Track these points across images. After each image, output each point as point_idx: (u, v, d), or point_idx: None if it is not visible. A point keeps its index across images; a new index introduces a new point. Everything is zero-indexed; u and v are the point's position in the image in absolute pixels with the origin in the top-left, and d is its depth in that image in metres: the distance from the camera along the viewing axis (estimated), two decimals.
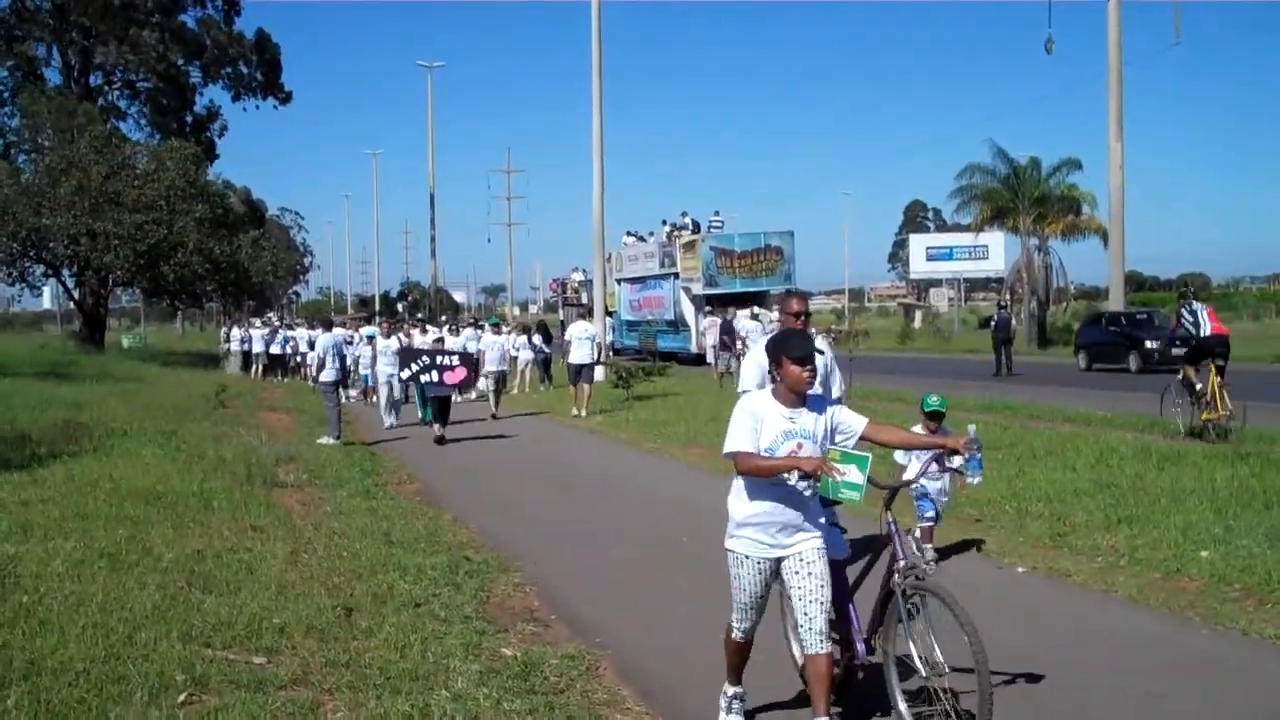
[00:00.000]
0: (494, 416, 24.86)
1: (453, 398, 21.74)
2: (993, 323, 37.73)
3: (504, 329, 30.32)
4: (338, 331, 28.58)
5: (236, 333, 44.17)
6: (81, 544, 9.21)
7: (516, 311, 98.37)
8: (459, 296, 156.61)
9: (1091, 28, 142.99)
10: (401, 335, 26.77)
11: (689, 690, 6.84)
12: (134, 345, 61.41)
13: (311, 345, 29.54)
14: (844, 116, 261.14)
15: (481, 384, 25.92)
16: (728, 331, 32.71)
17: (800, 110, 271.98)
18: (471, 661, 7.03)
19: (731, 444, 5.90)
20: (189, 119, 56.32)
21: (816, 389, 6.13)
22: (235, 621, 7.46)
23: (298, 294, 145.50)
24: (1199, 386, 16.98)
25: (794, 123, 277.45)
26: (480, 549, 10.85)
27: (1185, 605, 8.38)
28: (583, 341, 25.43)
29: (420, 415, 23.82)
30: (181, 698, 5.99)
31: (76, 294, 47.86)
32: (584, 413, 24.45)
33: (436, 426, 20.51)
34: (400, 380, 22.68)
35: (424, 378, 20.71)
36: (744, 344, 29.84)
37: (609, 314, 47.69)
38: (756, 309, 38.12)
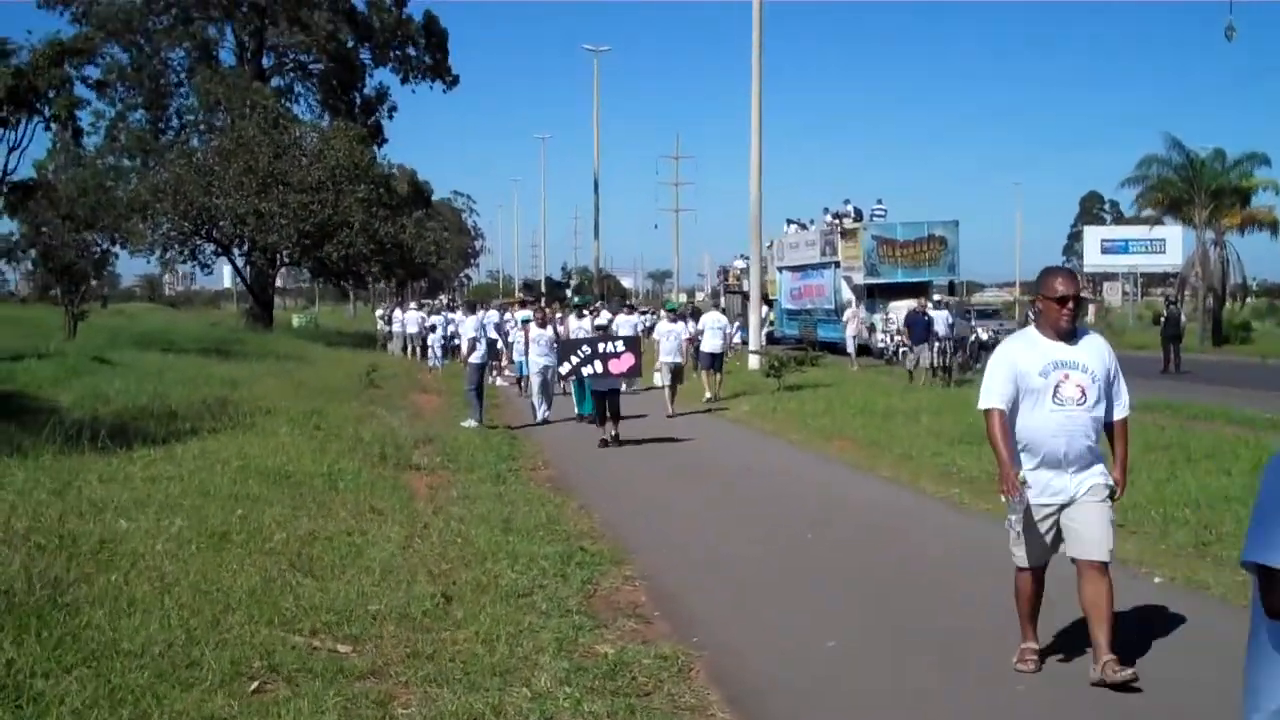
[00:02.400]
0: (671, 415, 22.04)
1: (621, 389, 19.20)
2: (1161, 318, 36.41)
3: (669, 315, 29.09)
4: (490, 313, 28.70)
5: (398, 314, 44.67)
6: (193, 522, 9.18)
7: (683, 298, 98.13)
8: (626, 281, 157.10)
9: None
10: (558, 323, 25.28)
11: (779, 697, 6.50)
12: (303, 324, 62.80)
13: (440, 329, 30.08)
14: (1019, 105, 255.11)
15: (657, 378, 23.88)
16: (914, 323, 29.99)
17: (971, 100, 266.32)
18: (562, 658, 6.76)
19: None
20: (358, 100, 57.14)
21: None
22: (329, 607, 7.31)
23: (469, 277, 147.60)
24: None
25: (965, 113, 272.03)
26: (599, 539, 10.58)
27: None
28: (715, 331, 25.40)
29: (577, 410, 21.66)
30: (253, 687, 5.84)
31: (246, 273, 49.01)
32: (718, 394, 24.84)
33: (607, 427, 17.97)
34: (560, 376, 20.54)
35: (586, 370, 18.18)
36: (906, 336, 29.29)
37: (768, 302, 47.16)
38: (942, 297, 37.27)
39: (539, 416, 21.55)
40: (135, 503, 9.81)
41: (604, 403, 18.09)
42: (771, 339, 46.31)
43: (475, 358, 20.38)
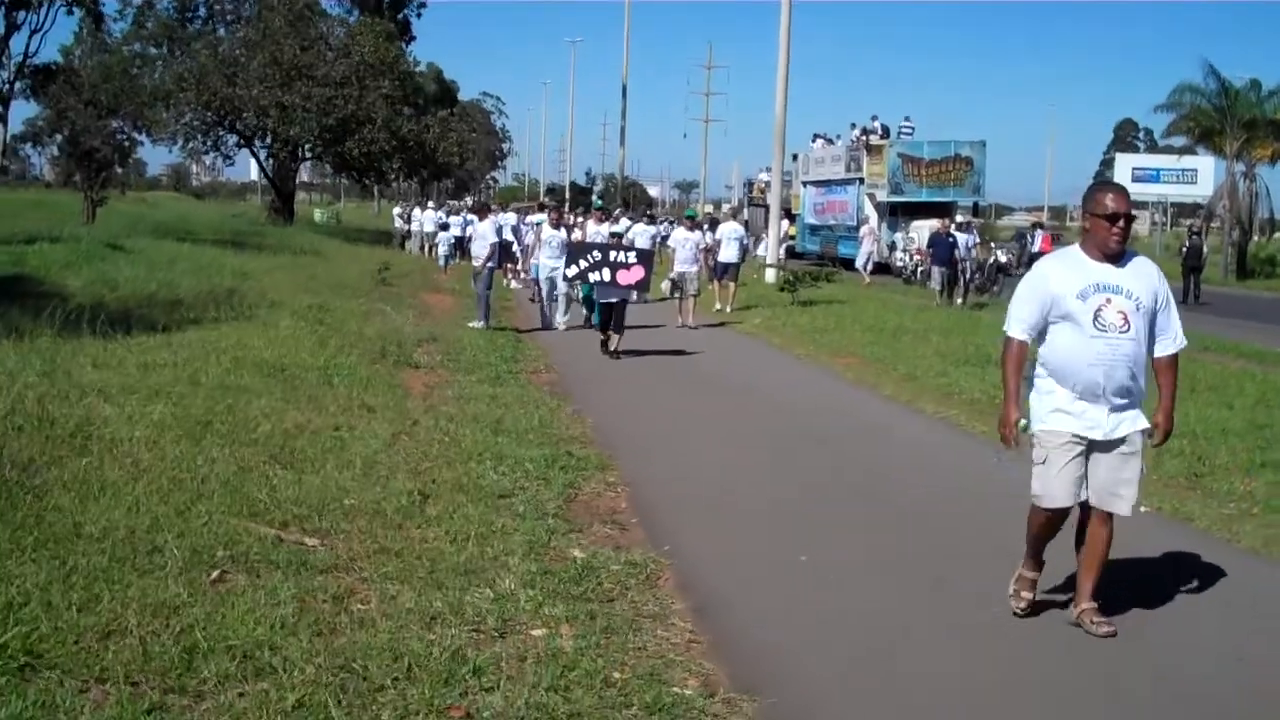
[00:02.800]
0: (684, 326, 21.82)
1: (630, 299, 18.08)
2: (1182, 248, 36.05)
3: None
4: (507, 216, 28.48)
5: (416, 213, 44.55)
6: (178, 410, 9.15)
7: (709, 208, 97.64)
8: (653, 191, 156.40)
9: None
10: (573, 226, 24.84)
11: (742, 610, 6.47)
12: (325, 219, 62.71)
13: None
14: (1056, 27, 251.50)
15: (666, 287, 23.99)
16: (937, 244, 28.97)
17: (1007, 21, 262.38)
18: (530, 560, 6.73)
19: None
20: None
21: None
22: (303, 500, 7.27)
23: (495, 179, 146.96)
24: None
25: (999, 34, 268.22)
26: (588, 444, 10.54)
27: None
28: (731, 241, 25.21)
29: (593, 317, 19.80)
30: (212, 576, 5.82)
31: (269, 166, 48.86)
32: (729, 308, 24.71)
33: (611, 337, 17.49)
34: (565, 279, 19.38)
35: (592, 276, 17.23)
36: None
37: (791, 217, 46.89)
38: (965, 218, 37.04)
39: (556, 323, 21.08)
40: (124, 389, 9.75)
41: (609, 312, 17.52)
42: (793, 254, 46.08)
43: (485, 261, 20.12)
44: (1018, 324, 6.12)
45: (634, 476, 9.45)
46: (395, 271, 27.73)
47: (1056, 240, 33.98)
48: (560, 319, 21.14)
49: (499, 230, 21.22)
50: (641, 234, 26.14)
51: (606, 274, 17.08)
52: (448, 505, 7.67)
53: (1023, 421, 6.08)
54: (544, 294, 21.64)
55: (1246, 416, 12.41)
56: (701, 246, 23.27)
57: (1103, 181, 6.48)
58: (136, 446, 7.77)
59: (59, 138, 44.00)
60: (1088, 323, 5.90)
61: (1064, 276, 6.02)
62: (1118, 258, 5.98)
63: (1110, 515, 6.14)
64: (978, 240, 32.10)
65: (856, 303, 26.53)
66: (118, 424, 8.31)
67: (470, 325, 19.40)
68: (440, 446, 9.57)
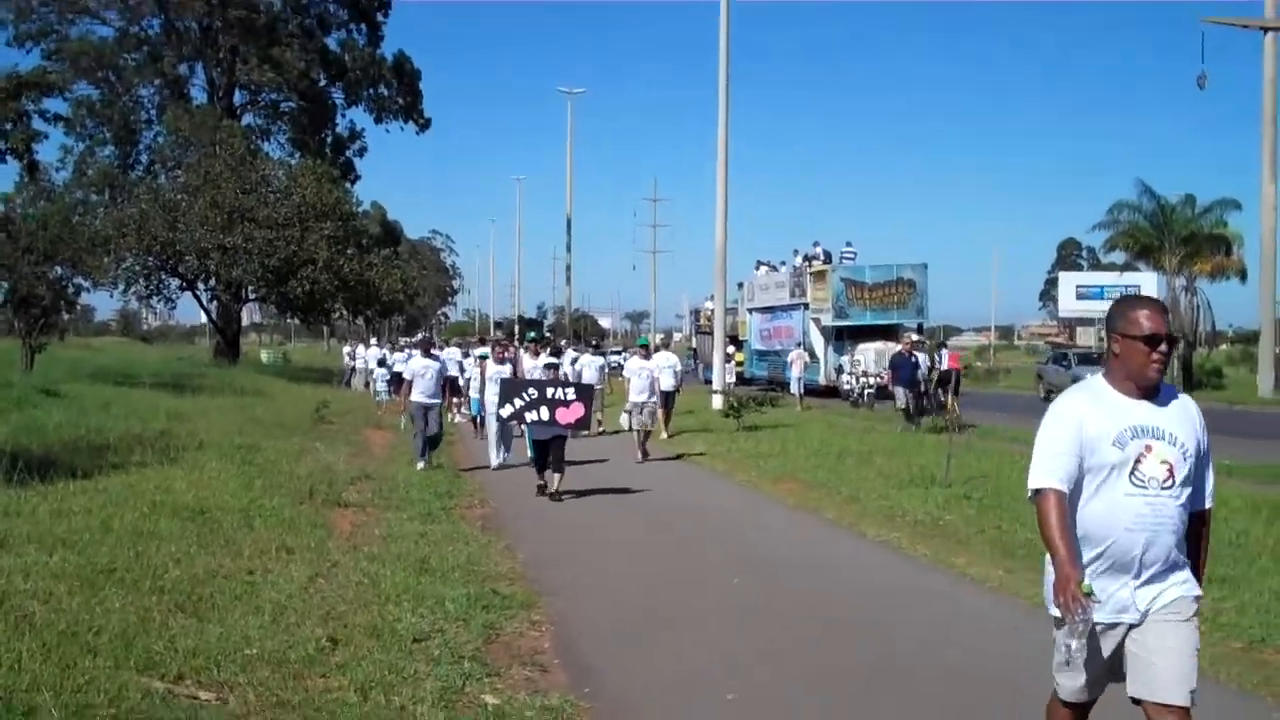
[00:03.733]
0: (644, 459, 20.81)
1: (567, 436, 16.71)
2: None
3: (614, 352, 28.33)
4: (451, 351, 28.21)
5: (360, 350, 44.41)
6: (81, 558, 8.77)
7: (659, 337, 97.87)
8: (604, 322, 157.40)
9: (1247, 62, 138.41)
10: (510, 357, 22.62)
11: None
12: (272, 360, 62.35)
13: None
14: (999, 148, 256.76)
15: (624, 420, 22.69)
16: (900, 365, 27.55)
17: (950, 148, 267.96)
18: (440, 709, 6.39)
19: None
20: (330, 139, 57.12)
21: None
22: (204, 650, 6.90)
23: (446, 315, 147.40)
24: None
25: (941, 159, 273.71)
26: (516, 581, 10.21)
27: (1259, 683, 7.35)
28: (667, 370, 24.70)
29: (530, 455, 18.06)
30: None
31: (212, 309, 48.65)
32: (664, 434, 24.45)
33: (548, 476, 16.33)
34: (499, 419, 17.91)
35: (530, 416, 15.99)
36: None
37: (738, 344, 47.02)
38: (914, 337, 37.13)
39: (495, 460, 19.92)
40: (28, 537, 9.37)
41: (544, 450, 16.36)
42: (742, 380, 46.22)
43: (416, 397, 19.19)
44: (1049, 474, 4.63)
45: (561, 614, 9.11)
46: (336, 409, 27.43)
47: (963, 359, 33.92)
48: (496, 458, 19.95)
49: (442, 366, 20.56)
50: (589, 364, 25.95)
51: (545, 413, 15.95)
52: (357, 651, 7.31)
53: (1086, 584, 4.44)
54: (490, 432, 20.45)
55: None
56: (656, 375, 22.43)
57: (1132, 296, 5.14)
58: (26, 599, 7.38)
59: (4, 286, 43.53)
60: (1124, 477, 4.65)
61: (1096, 416, 4.70)
62: (1155, 392, 4.77)
63: (1184, 714, 4.61)
64: (928, 361, 32.11)
65: (802, 427, 26.40)
66: (10, 575, 7.91)
67: (417, 467, 18.77)
68: (358, 589, 9.20)
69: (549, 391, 16.16)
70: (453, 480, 17.62)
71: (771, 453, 21.19)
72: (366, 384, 40.95)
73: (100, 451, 15.46)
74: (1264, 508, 13.25)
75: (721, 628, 8.82)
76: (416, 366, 19.57)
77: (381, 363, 37.62)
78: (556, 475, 16.23)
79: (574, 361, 26.83)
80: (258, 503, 12.54)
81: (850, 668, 7.71)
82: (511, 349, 24.48)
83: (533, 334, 27.67)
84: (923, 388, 28.28)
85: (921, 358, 28.74)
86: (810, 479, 17.56)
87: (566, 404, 16.01)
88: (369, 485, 15.93)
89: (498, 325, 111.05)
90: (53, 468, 13.36)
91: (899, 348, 29.69)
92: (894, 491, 15.65)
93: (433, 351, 21.08)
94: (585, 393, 16.88)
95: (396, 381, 39.21)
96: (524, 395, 16.19)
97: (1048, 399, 31.48)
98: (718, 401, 32.08)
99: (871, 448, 20.97)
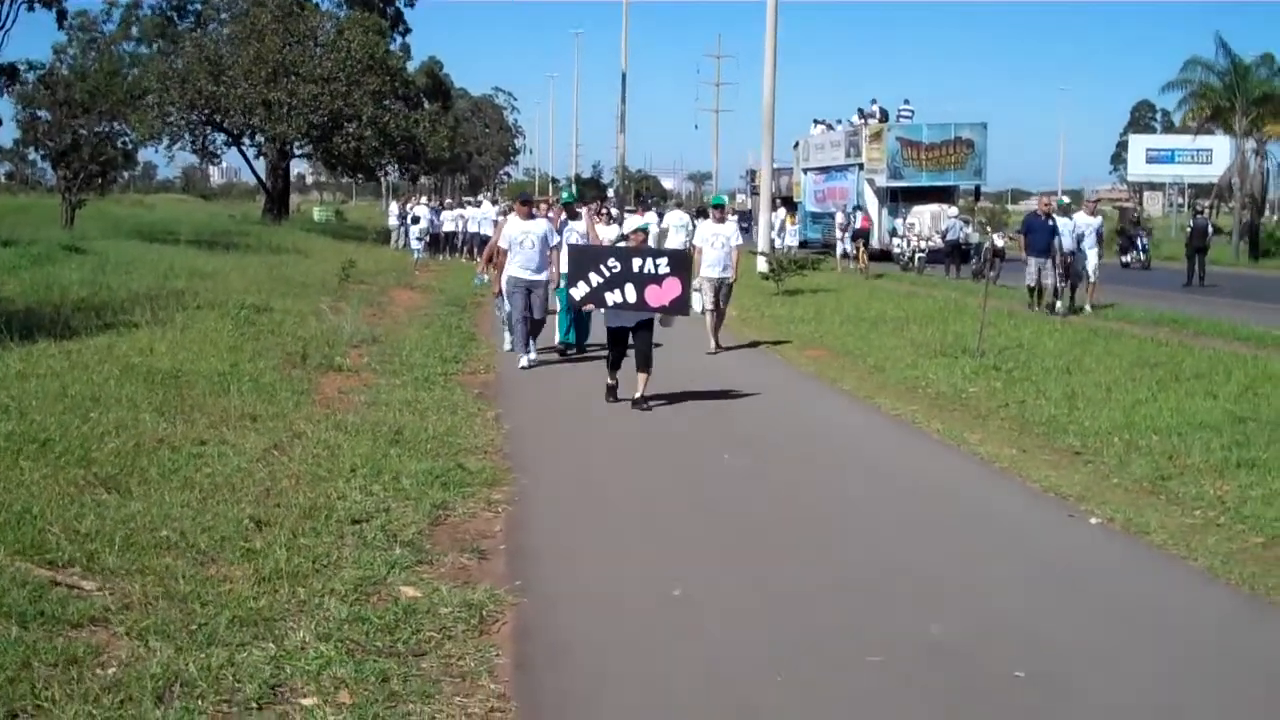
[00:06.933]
0: (717, 347, 16.93)
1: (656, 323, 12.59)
2: (1186, 228, 34.75)
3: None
4: (486, 208, 27.43)
5: (409, 208, 43.69)
6: (19, 425, 8.27)
7: (725, 198, 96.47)
8: (667, 183, 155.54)
9: None
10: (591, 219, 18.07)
11: (583, 662, 5.50)
12: (324, 218, 61.77)
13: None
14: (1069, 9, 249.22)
15: (696, 300, 15.16)
16: (1033, 228, 21.63)
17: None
18: (346, 604, 5.79)
19: None
20: None
21: None
22: (108, 532, 6.36)
23: (509, 174, 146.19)
24: None
25: (1010, 18, 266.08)
26: (490, 454, 9.61)
27: (1274, 585, 6.64)
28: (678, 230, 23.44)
29: (561, 339, 16.27)
30: None
31: (260, 166, 48.13)
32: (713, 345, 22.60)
33: (634, 379, 12.38)
34: (575, 303, 13.05)
35: (610, 298, 12.09)
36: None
37: (792, 206, 45.80)
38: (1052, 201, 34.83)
39: (515, 350, 15.45)
40: None
41: (623, 340, 12.63)
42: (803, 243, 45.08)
43: (515, 270, 15.17)
44: None
45: (524, 493, 8.48)
46: (370, 269, 26.86)
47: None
48: (518, 349, 15.35)
49: (547, 233, 15.35)
50: (675, 223, 24.22)
51: (631, 292, 12.06)
52: (281, 534, 6.73)
53: None
54: (504, 313, 16.00)
55: (1229, 407, 11.38)
56: (736, 244, 17.18)
57: None
58: None
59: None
60: None
61: None
62: None
63: None
64: (965, 226, 31.00)
65: (843, 291, 25.54)
66: None
67: (520, 363, 15.23)
68: (313, 462, 8.59)
69: (635, 263, 12.14)
70: (466, 344, 16.96)
71: (805, 318, 20.46)
72: (433, 243, 39.50)
73: (100, 311, 14.99)
74: None
75: (688, 516, 8.17)
76: (513, 232, 15.26)
77: (415, 220, 36.76)
78: (642, 375, 12.38)
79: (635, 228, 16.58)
80: (241, 367, 11.98)
81: (811, 575, 7.07)
82: (542, 205, 19.37)
83: (566, 194, 21.99)
84: (1061, 258, 21.66)
85: (1063, 223, 22.05)
86: (838, 347, 16.82)
87: (659, 279, 12.04)
88: (373, 349, 15.30)
89: (554, 182, 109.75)
90: (39, 328, 12.90)
91: (1035, 206, 24.23)
92: (923, 361, 14.93)
93: (534, 213, 15.89)
94: (682, 263, 12.56)
95: (434, 242, 38.62)
96: (603, 269, 12.17)
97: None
98: (762, 264, 31.19)
99: (908, 314, 20.16)
